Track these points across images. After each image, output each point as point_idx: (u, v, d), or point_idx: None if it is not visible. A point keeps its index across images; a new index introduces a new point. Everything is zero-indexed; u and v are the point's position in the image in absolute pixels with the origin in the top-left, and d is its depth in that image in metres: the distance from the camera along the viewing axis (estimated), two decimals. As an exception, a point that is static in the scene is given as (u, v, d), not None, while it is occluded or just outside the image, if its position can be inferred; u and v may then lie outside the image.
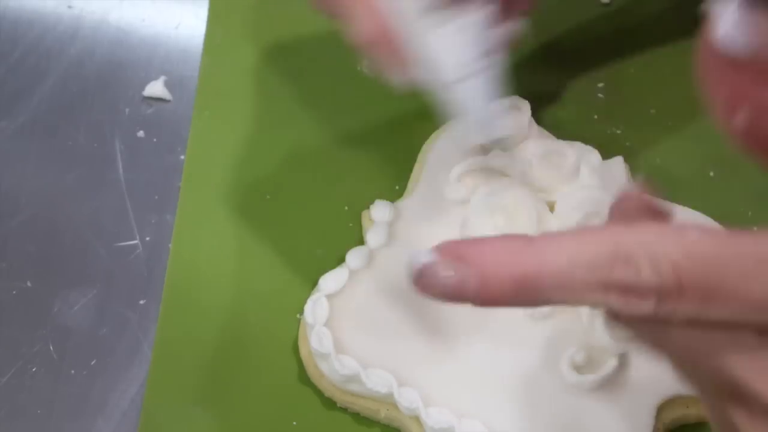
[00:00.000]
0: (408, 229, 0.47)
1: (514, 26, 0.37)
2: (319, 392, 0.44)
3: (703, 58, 0.30)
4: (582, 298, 0.31)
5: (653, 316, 0.30)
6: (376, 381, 0.43)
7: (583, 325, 0.43)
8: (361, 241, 0.47)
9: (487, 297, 0.31)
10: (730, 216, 0.47)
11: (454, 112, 0.34)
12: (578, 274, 0.31)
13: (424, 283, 0.32)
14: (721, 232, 0.31)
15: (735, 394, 0.30)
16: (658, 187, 0.33)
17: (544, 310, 0.44)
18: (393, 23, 0.37)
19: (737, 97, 0.30)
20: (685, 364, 0.32)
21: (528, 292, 0.31)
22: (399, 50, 0.38)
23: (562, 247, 0.31)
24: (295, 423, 0.44)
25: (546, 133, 0.49)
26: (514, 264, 0.31)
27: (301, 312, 0.45)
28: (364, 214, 0.48)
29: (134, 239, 0.50)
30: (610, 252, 0.30)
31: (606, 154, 0.48)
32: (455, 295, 0.32)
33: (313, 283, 0.46)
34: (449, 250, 0.32)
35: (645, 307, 0.30)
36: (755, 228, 0.31)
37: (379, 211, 0.47)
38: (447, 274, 0.32)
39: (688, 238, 0.30)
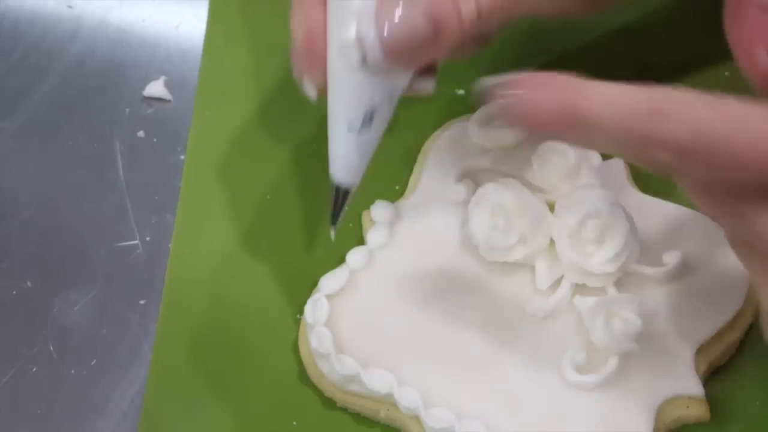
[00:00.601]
0: (408, 229, 0.47)
1: (425, 85, 0.39)
2: (319, 392, 0.44)
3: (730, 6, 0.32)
4: (615, 142, 0.34)
5: (672, 167, 0.33)
6: (376, 381, 0.43)
7: (583, 325, 0.43)
8: (361, 241, 0.47)
9: (537, 123, 0.33)
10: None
11: (331, 149, 0.39)
12: (617, 116, 0.33)
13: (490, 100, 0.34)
14: (748, 98, 0.32)
15: None
16: None
17: (545, 309, 0.44)
18: (321, 41, 0.39)
19: (760, 35, 0.32)
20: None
21: (573, 124, 0.33)
22: (318, 65, 0.39)
23: (607, 90, 0.33)
24: (295, 423, 0.44)
25: (546, 133, 0.49)
26: (567, 93, 0.33)
27: (301, 312, 0.45)
28: (365, 214, 0.48)
29: (134, 239, 0.50)
30: (646, 103, 0.33)
31: (606, 154, 0.48)
32: (510, 113, 0.34)
33: (313, 283, 0.46)
34: (512, 81, 0.34)
35: (666, 158, 0.33)
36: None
37: (379, 211, 0.47)
38: (509, 97, 0.34)
39: (721, 99, 0.32)
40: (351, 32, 0.37)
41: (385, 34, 0.36)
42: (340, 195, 0.41)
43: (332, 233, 0.44)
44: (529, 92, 0.34)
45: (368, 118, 0.38)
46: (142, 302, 0.48)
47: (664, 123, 0.33)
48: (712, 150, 0.32)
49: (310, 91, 0.41)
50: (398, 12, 0.36)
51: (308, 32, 0.39)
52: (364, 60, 0.37)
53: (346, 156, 0.40)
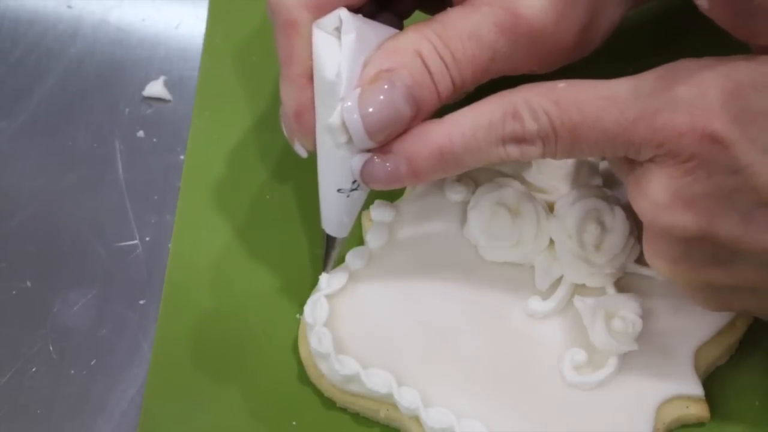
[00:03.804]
0: (408, 229, 0.47)
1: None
2: (319, 392, 0.44)
3: None
4: (489, 155, 0.39)
5: (543, 156, 0.38)
6: (376, 381, 0.43)
7: (583, 325, 0.43)
8: (361, 241, 0.47)
9: (419, 173, 0.39)
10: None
11: (322, 206, 0.43)
12: (480, 135, 0.38)
13: (369, 179, 0.40)
14: (582, 80, 0.38)
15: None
16: None
17: (544, 309, 0.44)
18: (310, 115, 0.41)
19: None
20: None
21: (447, 161, 0.39)
22: (307, 134, 0.42)
23: (464, 118, 0.39)
24: (295, 423, 0.44)
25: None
26: (430, 141, 0.39)
27: (301, 312, 0.45)
28: (364, 214, 0.48)
29: (134, 239, 0.50)
30: (500, 112, 0.38)
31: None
32: (395, 179, 0.39)
33: (313, 283, 0.46)
34: (379, 148, 0.39)
35: (535, 151, 0.38)
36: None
37: (379, 211, 0.47)
38: (382, 165, 0.39)
39: (557, 87, 0.38)
40: (336, 117, 0.39)
41: (369, 119, 0.39)
42: (332, 245, 0.44)
43: (324, 275, 0.45)
44: (401, 154, 0.39)
45: (356, 184, 0.41)
46: (141, 302, 0.48)
47: (519, 121, 0.38)
48: (571, 130, 0.37)
49: (301, 151, 0.44)
50: (380, 97, 0.39)
51: (298, 106, 0.42)
52: (349, 140, 0.39)
53: (336, 215, 0.43)
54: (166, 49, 0.56)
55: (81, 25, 0.57)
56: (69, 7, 0.58)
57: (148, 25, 0.57)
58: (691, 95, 0.36)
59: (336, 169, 0.41)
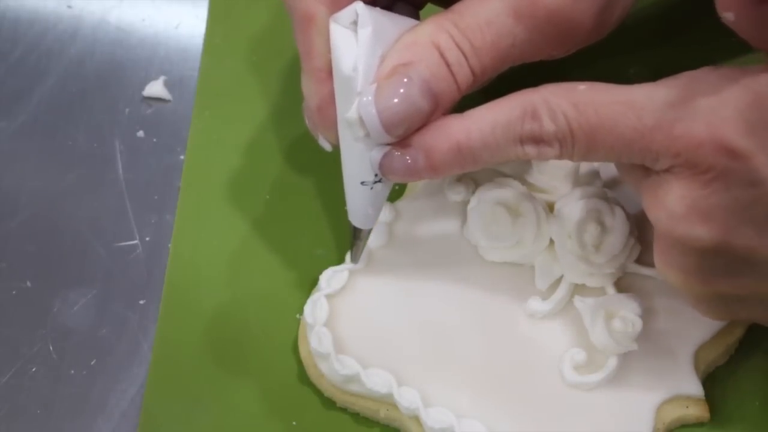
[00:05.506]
0: (408, 229, 0.47)
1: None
2: (319, 392, 0.44)
3: None
4: (507, 153, 0.38)
5: (560, 157, 0.38)
6: (376, 381, 0.43)
7: (583, 326, 0.43)
8: (361, 241, 0.47)
9: (436, 167, 0.39)
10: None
11: (348, 199, 0.42)
12: (498, 133, 0.38)
13: (388, 171, 0.40)
14: (604, 84, 0.38)
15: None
16: None
17: (544, 309, 0.44)
18: (332, 109, 0.41)
19: None
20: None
21: (465, 156, 0.39)
22: (331, 127, 0.42)
23: (483, 115, 0.38)
24: (294, 423, 0.44)
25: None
26: (449, 136, 0.38)
27: (301, 312, 0.45)
28: (364, 214, 0.48)
29: (134, 239, 0.50)
30: (519, 111, 0.38)
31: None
32: (413, 172, 0.39)
33: (313, 283, 0.46)
34: (398, 141, 0.39)
35: (552, 152, 0.38)
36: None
37: (379, 211, 0.47)
38: (401, 158, 0.39)
39: (577, 89, 0.37)
40: (353, 111, 0.39)
41: (386, 113, 0.38)
42: (359, 236, 0.44)
43: (352, 263, 0.45)
44: (420, 148, 0.39)
45: (379, 177, 0.41)
46: (141, 302, 0.48)
47: (537, 121, 0.37)
48: (588, 132, 0.37)
49: (326, 145, 0.44)
50: (398, 91, 0.38)
51: (320, 100, 0.42)
52: (368, 134, 0.39)
53: (362, 207, 0.42)
54: (166, 49, 0.56)
55: (81, 25, 0.57)
56: (69, 7, 0.58)
57: (148, 25, 0.57)
58: (710, 106, 0.36)
59: (358, 162, 0.41)
